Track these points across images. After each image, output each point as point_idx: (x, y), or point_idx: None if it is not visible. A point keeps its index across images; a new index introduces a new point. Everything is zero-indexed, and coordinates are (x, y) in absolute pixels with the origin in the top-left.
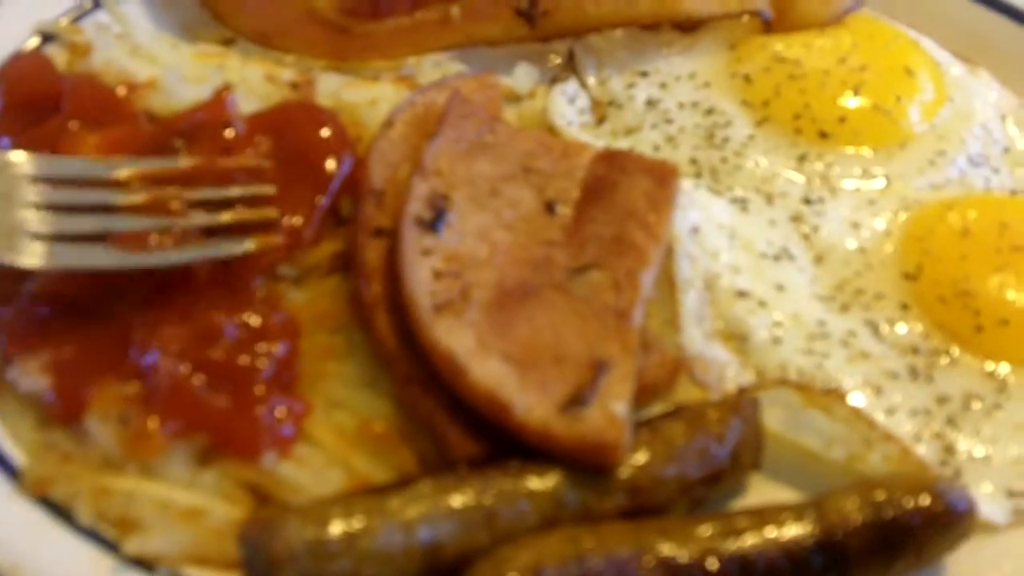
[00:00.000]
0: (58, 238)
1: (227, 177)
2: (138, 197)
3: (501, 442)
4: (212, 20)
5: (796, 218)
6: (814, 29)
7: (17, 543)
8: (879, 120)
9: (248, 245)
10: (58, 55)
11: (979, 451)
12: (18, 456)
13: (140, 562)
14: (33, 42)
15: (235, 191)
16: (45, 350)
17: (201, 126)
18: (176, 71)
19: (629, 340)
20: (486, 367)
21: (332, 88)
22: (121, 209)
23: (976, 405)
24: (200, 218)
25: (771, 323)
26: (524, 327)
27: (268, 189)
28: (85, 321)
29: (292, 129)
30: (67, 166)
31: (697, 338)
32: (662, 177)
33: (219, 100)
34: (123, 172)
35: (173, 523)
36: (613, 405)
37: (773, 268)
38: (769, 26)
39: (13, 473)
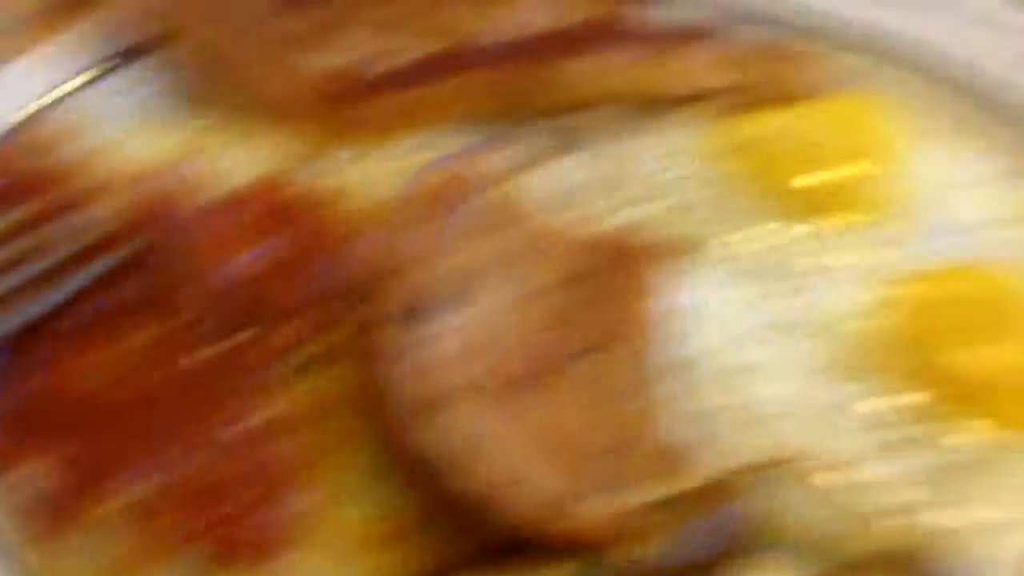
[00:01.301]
0: None
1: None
2: None
3: (515, 535)
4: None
5: (790, 291)
6: (796, 103)
7: None
8: (870, 190)
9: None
10: None
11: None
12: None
13: None
14: None
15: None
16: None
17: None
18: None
19: (637, 425)
20: (493, 460)
21: (327, 168)
22: None
23: (981, 468)
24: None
25: (770, 398)
26: (534, 415)
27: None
28: (78, 425)
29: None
30: None
31: (693, 417)
32: (651, 256)
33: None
34: None
35: None
36: (621, 494)
37: (770, 342)
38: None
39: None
